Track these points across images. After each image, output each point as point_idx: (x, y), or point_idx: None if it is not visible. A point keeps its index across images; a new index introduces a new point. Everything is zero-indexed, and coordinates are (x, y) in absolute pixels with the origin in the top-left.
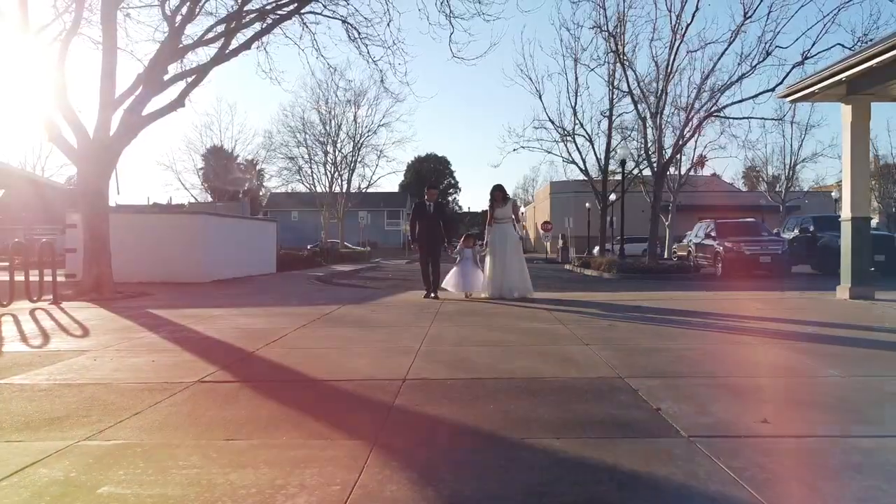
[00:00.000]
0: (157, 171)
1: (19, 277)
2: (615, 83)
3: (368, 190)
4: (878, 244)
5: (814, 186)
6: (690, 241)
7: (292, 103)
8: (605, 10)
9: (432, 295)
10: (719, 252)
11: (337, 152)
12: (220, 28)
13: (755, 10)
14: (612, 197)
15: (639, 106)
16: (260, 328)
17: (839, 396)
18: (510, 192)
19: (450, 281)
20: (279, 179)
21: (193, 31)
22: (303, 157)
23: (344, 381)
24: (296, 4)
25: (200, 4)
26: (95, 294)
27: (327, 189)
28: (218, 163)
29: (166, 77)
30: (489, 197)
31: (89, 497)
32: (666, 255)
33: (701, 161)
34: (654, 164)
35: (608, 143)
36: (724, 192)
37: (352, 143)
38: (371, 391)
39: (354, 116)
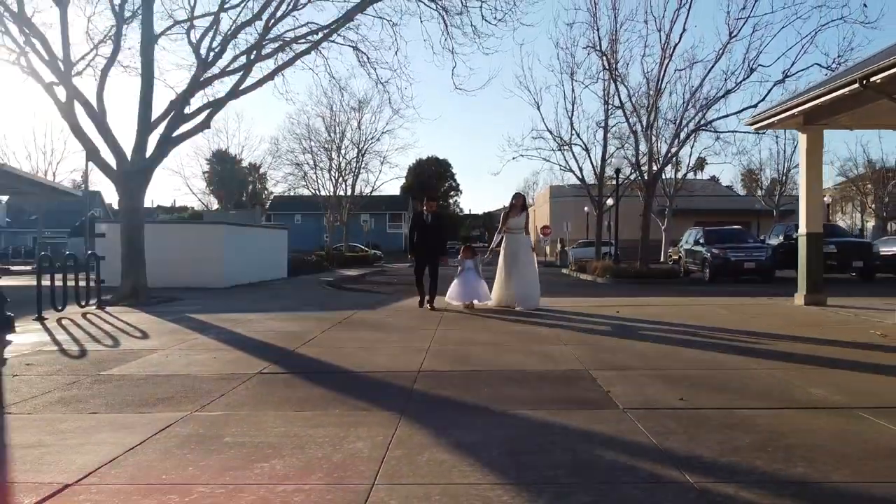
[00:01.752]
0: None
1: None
2: (608, 99)
3: (371, 193)
4: (856, 251)
5: None
6: (682, 246)
7: (298, 111)
8: (598, 30)
9: (427, 305)
10: (707, 258)
11: (341, 158)
12: (244, 59)
13: (739, 30)
14: (610, 202)
15: (630, 120)
16: (291, 331)
17: (745, 384)
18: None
19: (452, 292)
20: (284, 185)
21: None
22: (308, 164)
23: (372, 372)
24: (322, 34)
25: (225, 35)
26: (133, 299)
27: (331, 193)
28: (223, 166)
29: (193, 109)
30: (510, 202)
31: (220, 443)
32: (662, 259)
33: (700, 164)
34: (645, 175)
35: (604, 153)
36: (720, 197)
37: (356, 150)
38: (394, 379)
39: (359, 124)
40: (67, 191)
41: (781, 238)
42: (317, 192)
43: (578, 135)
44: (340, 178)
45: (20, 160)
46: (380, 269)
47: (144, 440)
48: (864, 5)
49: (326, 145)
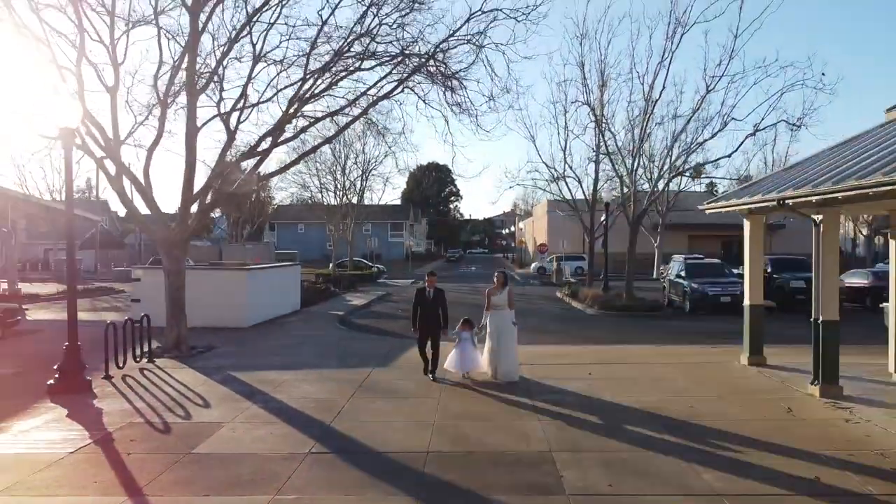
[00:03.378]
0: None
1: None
2: (598, 145)
3: (372, 202)
4: None
5: None
6: (667, 277)
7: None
8: (587, 86)
9: (430, 375)
10: (687, 291)
11: (345, 178)
12: (268, 140)
13: (715, 85)
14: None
15: (617, 168)
16: (322, 398)
17: (652, 470)
18: (511, 203)
19: (450, 361)
20: (288, 195)
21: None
22: (314, 186)
23: (394, 452)
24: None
25: (250, 110)
26: (176, 351)
27: (336, 206)
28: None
29: (223, 184)
30: (493, 279)
31: None
32: (654, 275)
33: (698, 172)
34: (630, 215)
35: (595, 186)
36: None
37: (359, 170)
38: (410, 461)
39: (363, 147)
40: (90, 218)
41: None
42: (321, 201)
43: (571, 168)
44: (345, 196)
45: (36, 180)
46: (384, 294)
47: None
48: (823, 74)
49: (332, 167)
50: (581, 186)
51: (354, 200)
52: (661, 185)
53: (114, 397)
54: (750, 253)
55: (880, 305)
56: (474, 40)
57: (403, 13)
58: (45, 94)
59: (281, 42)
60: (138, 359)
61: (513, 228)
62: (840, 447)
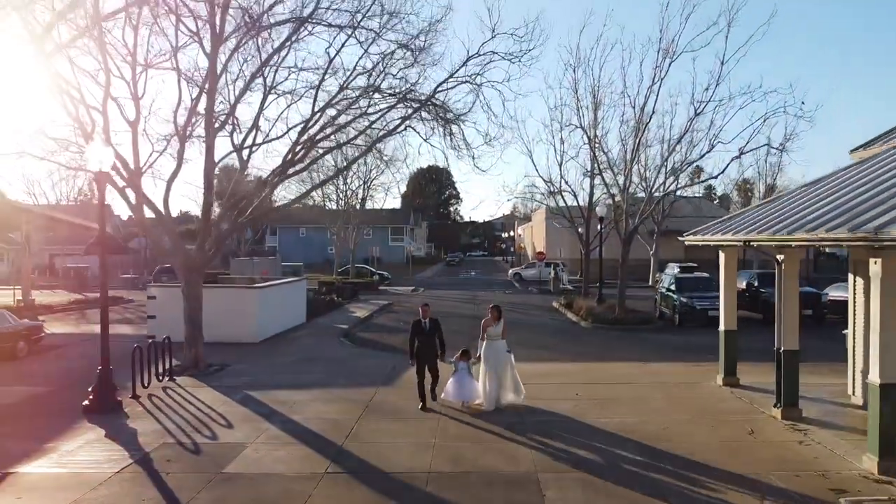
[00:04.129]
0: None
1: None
2: (592, 164)
3: (373, 207)
4: (806, 300)
5: None
6: (659, 289)
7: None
8: (580, 110)
9: (427, 405)
10: (677, 305)
11: (347, 188)
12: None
13: (703, 108)
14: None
15: (609, 187)
16: (333, 419)
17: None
18: (511, 204)
19: (448, 391)
20: (290, 193)
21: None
22: (317, 194)
23: (400, 472)
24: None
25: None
26: (194, 369)
27: (338, 211)
28: (229, 181)
29: (242, 219)
30: (488, 312)
31: None
32: (650, 282)
33: (697, 173)
34: (622, 232)
35: (590, 200)
36: (709, 218)
37: (360, 181)
38: (414, 481)
39: (364, 160)
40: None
41: (744, 285)
42: (324, 205)
43: (567, 182)
44: (346, 203)
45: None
46: (386, 304)
47: None
48: (802, 103)
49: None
50: (577, 200)
51: (356, 206)
52: (652, 202)
53: (144, 417)
54: (725, 281)
55: (842, 332)
56: (472, 80)
57: (407, 65)
58: (71, 129)
59: (290, 75)
60: (160, 377)
61: (512, 233)
62: (790, 468)
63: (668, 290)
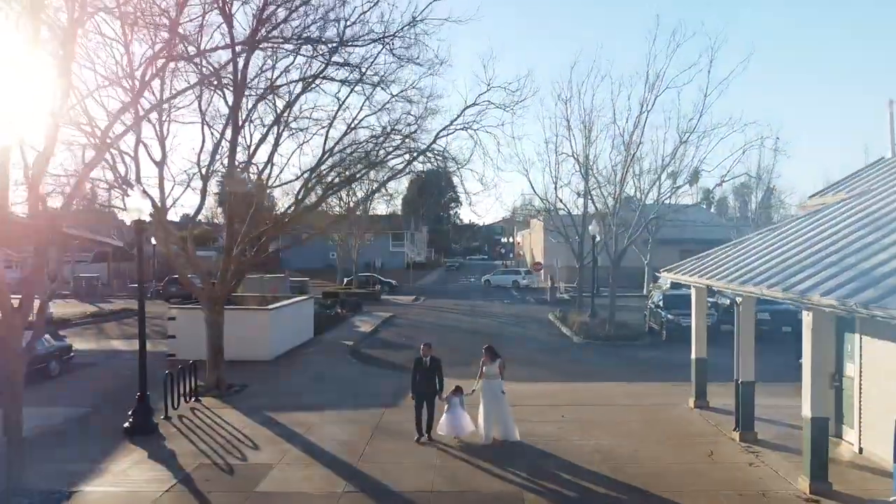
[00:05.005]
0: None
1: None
2: (585, 191)
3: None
4: (786, 318)
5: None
6: (648, 306)
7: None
8: (572, 139)
9: (424, 437)
10: (664, 321)
11: (351, 199)
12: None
13: (688, 137)
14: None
15: (599, 209)
16: (346, 441)
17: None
18: (510, 209)
19: (441, 425)
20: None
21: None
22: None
23: (405, 491)
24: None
25: (276, 180)
26: (217, 390)
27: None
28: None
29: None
30: (483, 352)
31: None
32: (644, 291)
33: (696, 177)
34: (612, 253)
35: (583, 220)
36: (704, 226)
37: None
38: (419, 499)
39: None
40: (117, 244)
41: (728, 302)
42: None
43: (562, 201)
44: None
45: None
46: (389, 317)
47: None
48: (777, 138)
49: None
50: (572, 218)
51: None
52: (641, 224)
53: (179, 438)
54: (696, 315)
55: (798, 361)
56: (469, 127)
57: (410, 128)
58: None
59: (301, 112)
60: (187, 398)
61: (511, 239)
62: (736, 488)
63: (657, 306)
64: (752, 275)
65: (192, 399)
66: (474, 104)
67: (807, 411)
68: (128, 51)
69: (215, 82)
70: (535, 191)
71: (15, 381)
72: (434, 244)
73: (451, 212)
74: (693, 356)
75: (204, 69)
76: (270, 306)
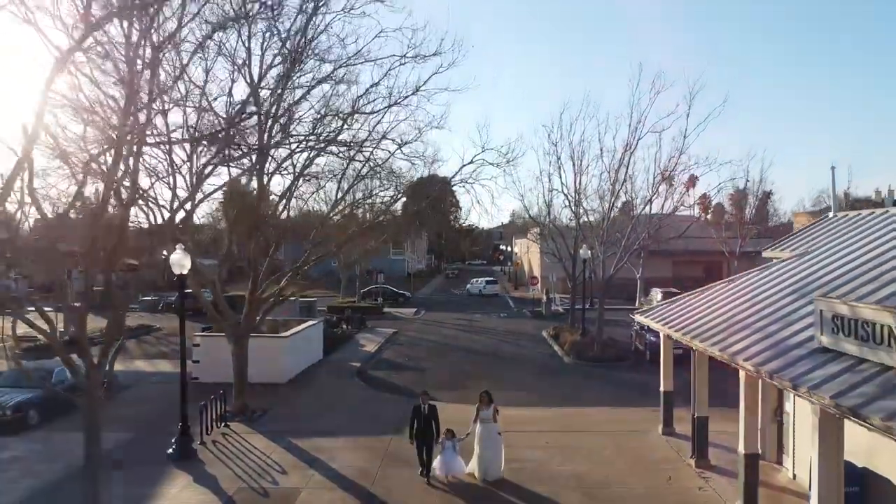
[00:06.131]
0: None
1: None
2: (575, 219)
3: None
4: None
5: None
6: (634, 327)
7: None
8: (562, 175)
9: (425, 474)
10: (648, 343)
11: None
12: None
13: (670, 172)
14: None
15: (589, 240)
16: (360, 467)
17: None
18: (509, 214)
19: (436, 467)
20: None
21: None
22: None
23: None
24: None
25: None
26: (242, 416)
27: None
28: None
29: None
30: (479, 399)
31: None
32: (636, 304)
33: (693, 181)
34: (601, 277)
35: (575, 243)
36: (696, 238)
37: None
38: None
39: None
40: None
41: None
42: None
43: (555, 225)
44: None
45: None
46: (392, 334)
47: None
48: (747, 179)
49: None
50: (565, 243)
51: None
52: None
53: (217, 464)
54: (664, 354)
55: None
56: (468, 181)
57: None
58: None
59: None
60: (218, 424)
61: (510, 248)
62: None
63: (642, 328)
64: (700, 330)
65: (222, 424)
66: (471, 162)
67: (741, 448)
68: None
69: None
70: (530, 215)
71: (95, 425)
72: (434, 250)
73: (451, 216)
74: (661, 389)
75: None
76: (285, 333)
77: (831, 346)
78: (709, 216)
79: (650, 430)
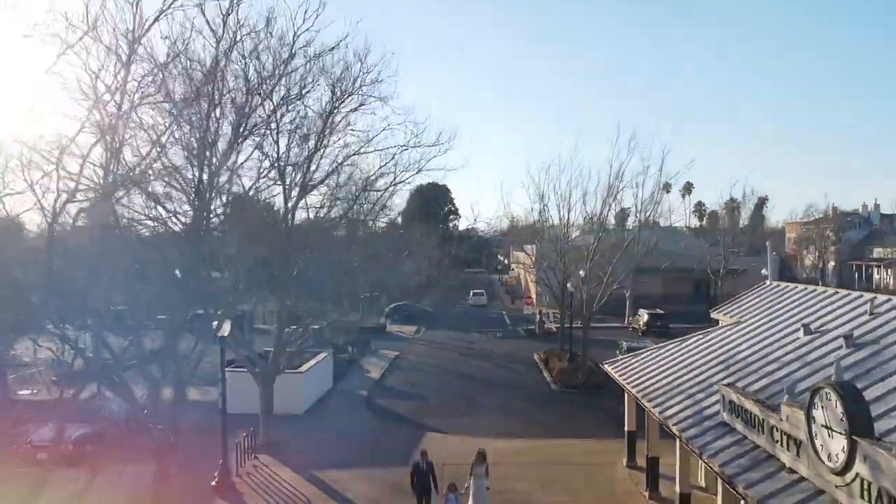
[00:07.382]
0: None
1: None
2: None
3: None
4: None
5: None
6: (617, 353)
7: None
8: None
9: None
10: None
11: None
12: None
13: (648, 216)
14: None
15: (573, 280)
16: (372, 498)
17: None
18: (508, 220)
19: None
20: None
21: None
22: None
23: None
24: None
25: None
26: (268, 448)
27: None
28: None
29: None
30: (474, 457)
31: None
32: (625, 322)
33: (688, 188)
34: (584, 313)
35: (565, 276)
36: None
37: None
38: None
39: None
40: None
41: None
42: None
43: (544, 258)
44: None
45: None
46: (394, 358)
47: None
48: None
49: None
50: (555, 275)
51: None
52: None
53: (253, 496)
54: (627, 404)
55: None
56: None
57: None
58: None
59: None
60: (248, 456)
61: (508, 261)
62: None
63: (626, 350)
64: (648, 391)
65: (253, 457)
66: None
67: (677, 488)
68: None
69: None
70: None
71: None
72: (434, 258)
73: (451, 224)
74: (626, 428)
75: None
76: (302, 369)
77: (728, 423)
78: (703, 223)
79: (616, 463)
